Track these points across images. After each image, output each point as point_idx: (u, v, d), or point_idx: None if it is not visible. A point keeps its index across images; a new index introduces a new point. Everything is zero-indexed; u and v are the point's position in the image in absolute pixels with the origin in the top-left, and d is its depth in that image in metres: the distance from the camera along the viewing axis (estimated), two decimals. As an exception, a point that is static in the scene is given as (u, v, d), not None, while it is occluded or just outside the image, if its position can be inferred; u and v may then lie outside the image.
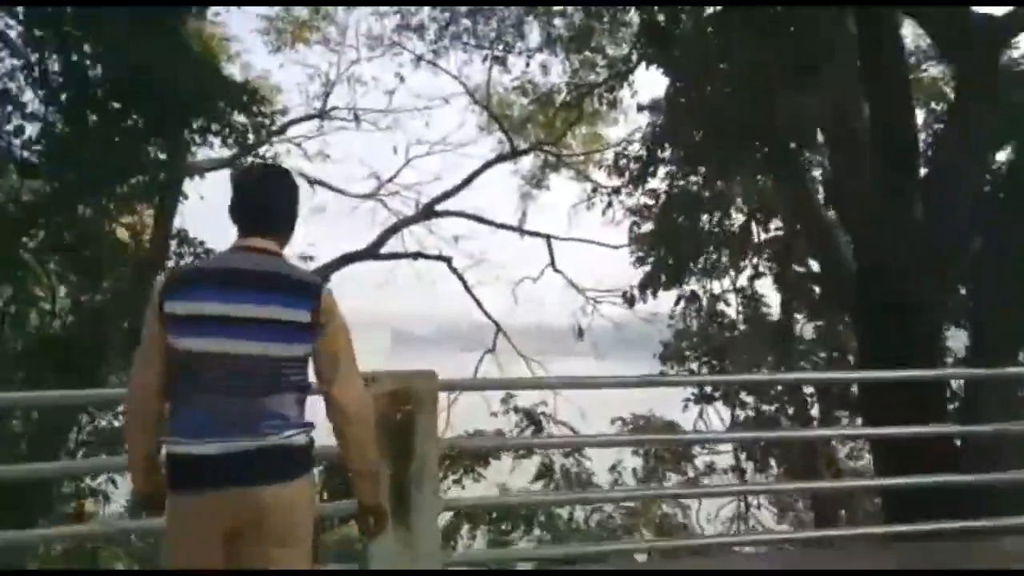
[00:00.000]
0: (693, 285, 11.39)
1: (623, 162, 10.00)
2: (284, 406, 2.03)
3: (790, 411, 11.75)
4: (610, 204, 11.03)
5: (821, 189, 8.66)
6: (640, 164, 9.72)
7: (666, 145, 9.02)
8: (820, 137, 7.14)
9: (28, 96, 7.62)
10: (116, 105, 8.07)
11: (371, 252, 11.65)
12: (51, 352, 7.59)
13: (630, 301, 11.04)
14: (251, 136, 9.28)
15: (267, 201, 2.18)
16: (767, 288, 12.36)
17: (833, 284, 8.28)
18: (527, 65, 10.99)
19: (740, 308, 12.36)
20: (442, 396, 10.37)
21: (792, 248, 10.12)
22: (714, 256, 10.83)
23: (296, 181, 2.33)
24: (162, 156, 7.75)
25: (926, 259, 5.52)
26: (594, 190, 11.49)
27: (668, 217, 10.02)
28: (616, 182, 10.59)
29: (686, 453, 13.69)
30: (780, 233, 10.85)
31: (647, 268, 12.11)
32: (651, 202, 11.88)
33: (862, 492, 9.67)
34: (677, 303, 11.31)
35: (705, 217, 10.23)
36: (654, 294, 10.80)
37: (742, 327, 12.55)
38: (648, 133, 9.75)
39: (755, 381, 9.58)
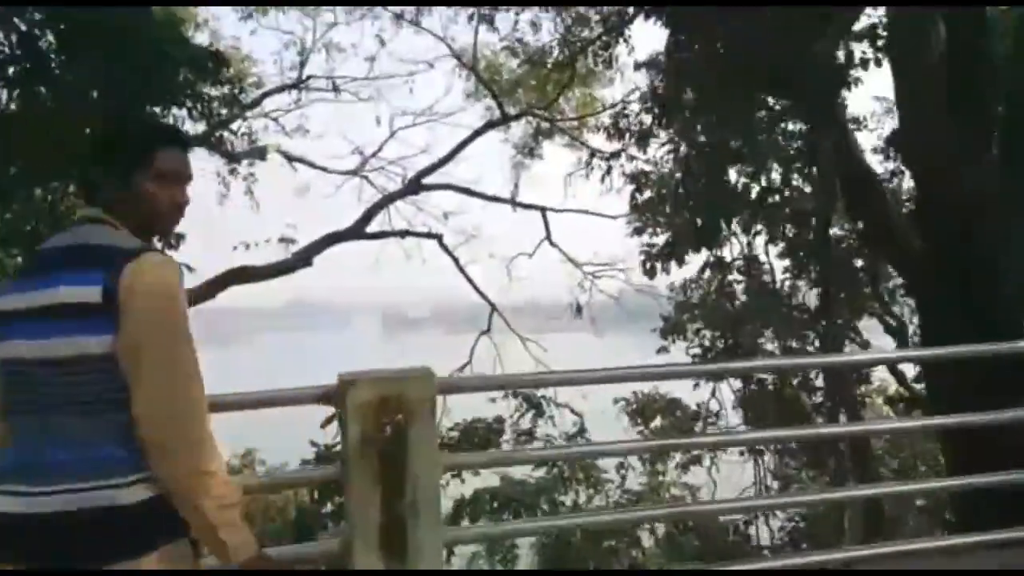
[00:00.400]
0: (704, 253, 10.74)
1: (623, 123, 9.33)
2: (99, 436, 1.36)
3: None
4: (609, 170, 10.37)
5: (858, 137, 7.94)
6: (650, 118, 8.89)
7: (681, 96, 8.25)
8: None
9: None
10: (70, 78, 7.40)
11: (356, 231, 11.00)
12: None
13: (650, 273, 10.32)
14: (221, 109, 8.61)
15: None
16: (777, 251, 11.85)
17: (882, 240, 7.39)
18: (516, 23, 10.29)
19: (749, 275, 11.87)
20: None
21: (832, 204, 9.28)
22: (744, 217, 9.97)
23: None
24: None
25: (1007, 205, 4.90)
26: (592, 155, 10.82)
27: (688, 175, 9.19)
28: (615, 146, 9.94)
29: (690, 430, 13.31)
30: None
31: (656, 237, 11.59)
32: (650, 168, 11.30)
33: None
34: (703, 271, 10.60)
35: (733, 173, 9.36)
36: (679, 262, 10.04)
37: (743, 297, 12.10)
38: (649, 90, 9.06)
39: (792, 366, 8.50)
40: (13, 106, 7.52)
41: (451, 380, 2.47)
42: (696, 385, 10.77)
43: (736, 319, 11.15)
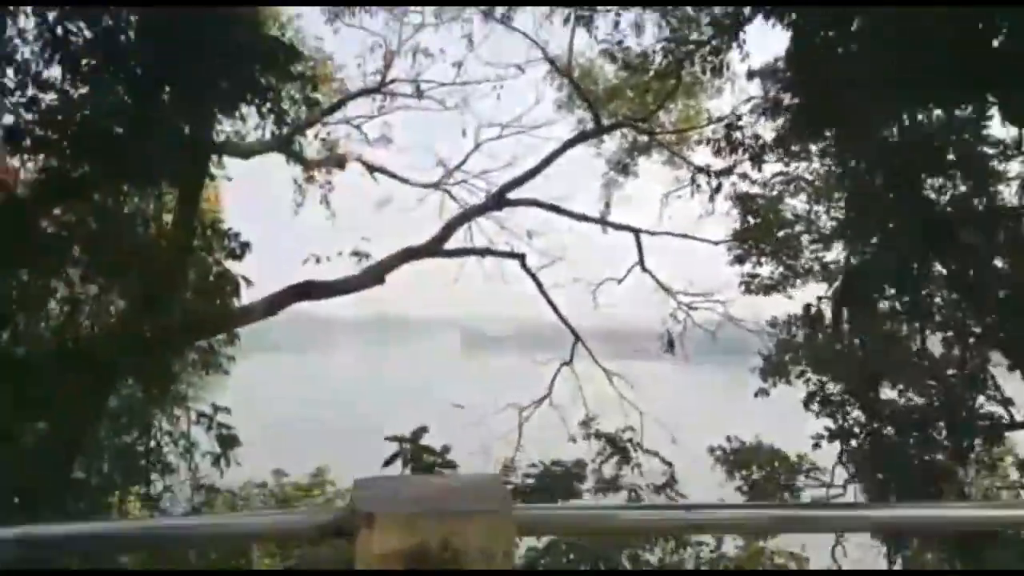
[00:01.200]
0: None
1: (736, 136, 8.17)
2: None
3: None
4: (718, 188, 9.18)
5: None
6: (771, 131, 7.47)
7: (815, 105, 6.96)
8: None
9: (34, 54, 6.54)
10: (143, 74, 6.97)
11: (434, 248, 10.27)
12: (65, 366, 6.47)
13: (813, 321, 8.76)
14: (298, 111, 8.07)
15: None
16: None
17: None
18: (617, 24, 9.28)
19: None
20: (511, 412, 8.63)
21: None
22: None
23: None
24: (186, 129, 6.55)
25: None
26: (699, 171, 9.62)
27: (857, 196, 7.50)
28: (723, 162, 8.76)
29: (791, 485, 12.01)
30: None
31: (760, 267, 10.41)
32: (758, 191, 10.11)
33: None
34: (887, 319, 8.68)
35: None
36: (869, 304, 8.17)
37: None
38: (769, 101, 7.85)
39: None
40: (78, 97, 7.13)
41: (535, 516, 1.47)
42: (816, 445, 9.37)
43: (858, 366, 9.77)
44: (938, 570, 8.02)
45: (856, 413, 10.10)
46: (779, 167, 9.94)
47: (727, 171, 9.02)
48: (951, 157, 5.29)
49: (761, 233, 10.45)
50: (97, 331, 7.11)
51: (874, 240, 8.01)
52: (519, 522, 1.32)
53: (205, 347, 7.80)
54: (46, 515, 5.84)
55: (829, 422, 10.05)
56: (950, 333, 9.94)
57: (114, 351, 6.38)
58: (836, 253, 11.37)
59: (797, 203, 11.02)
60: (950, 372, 10.07)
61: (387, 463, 7.91)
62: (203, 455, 7.00)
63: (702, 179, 9.48)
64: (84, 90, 7.02)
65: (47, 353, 6.75)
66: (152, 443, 6.92)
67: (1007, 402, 9.95)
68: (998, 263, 7.85)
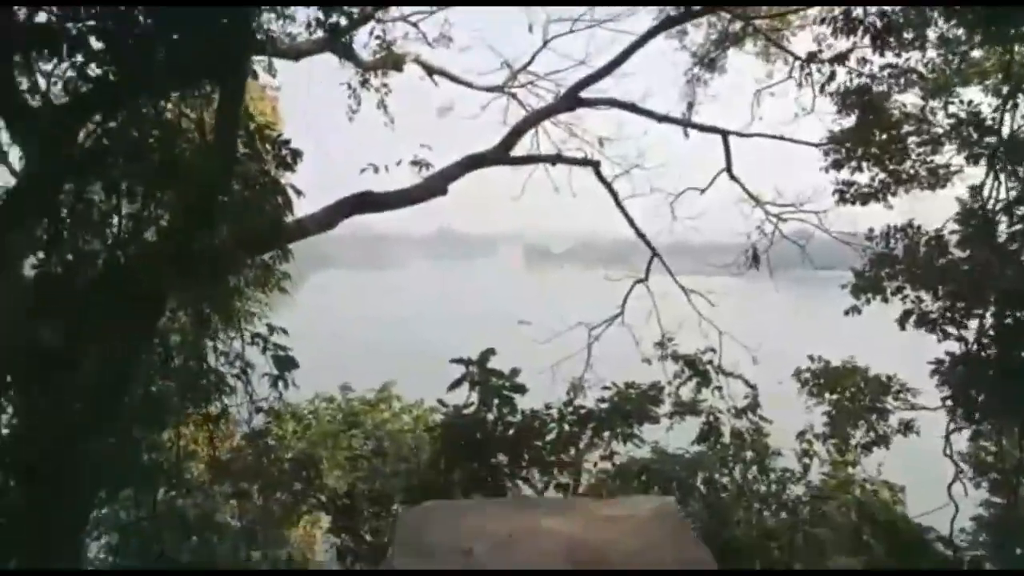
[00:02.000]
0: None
1: (857, 13, 6.88)
2: None
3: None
4: (831, 77, 7.89)
5: None
6: None
7: None
8: None
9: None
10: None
11: (500, 155, 9.44)
12: (113, 290, 6.08)
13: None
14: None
15: None
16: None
17: None
18: None
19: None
20: (581, 331, 7.96)
21: None
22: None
23: None
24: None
25: None
26: (809, 59, 8.26)
27: None
28: (836, 49, 7.47)
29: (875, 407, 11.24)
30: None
31: (859, 174, 9.29)
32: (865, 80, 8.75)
33: None
34: None
35: None
36: None
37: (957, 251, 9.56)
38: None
39: None
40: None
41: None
42: (935, 370, 8.42)
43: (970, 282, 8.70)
44: (940, 570, 7.50)
45: (954, 331, 9.08)
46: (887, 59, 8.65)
47: (842, 57, 7.72)
48: None
49: (865, 133, 9.25)
50: (144, 249, 6.71)
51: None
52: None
53: (261, 264, 7.36)
54: (100, 443, 5.65)
55: (921, 340, 9.10)
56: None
57: (163, 269, 5.96)
58: (948, 156, 10.14)
59: (907, 99, 9.73)
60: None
61: (453, 387, 7.50)
62: (261, 377, 6.66)
63: (810, 69, 8.17)
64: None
65: (99, 274, 6.41)
66: (205, 365, 6.60)
67: None
68: None
